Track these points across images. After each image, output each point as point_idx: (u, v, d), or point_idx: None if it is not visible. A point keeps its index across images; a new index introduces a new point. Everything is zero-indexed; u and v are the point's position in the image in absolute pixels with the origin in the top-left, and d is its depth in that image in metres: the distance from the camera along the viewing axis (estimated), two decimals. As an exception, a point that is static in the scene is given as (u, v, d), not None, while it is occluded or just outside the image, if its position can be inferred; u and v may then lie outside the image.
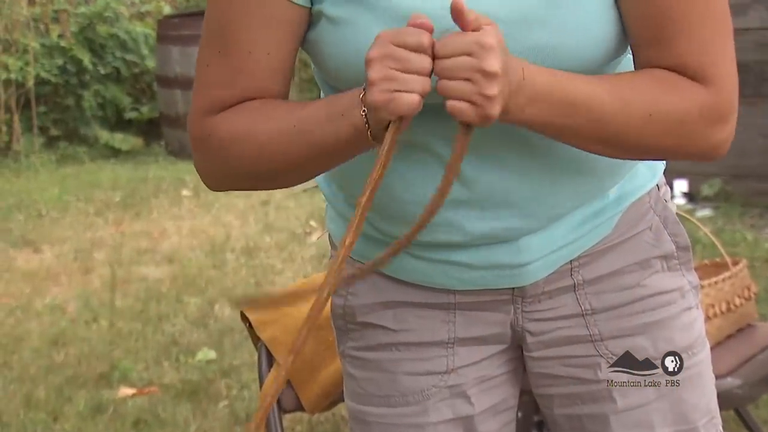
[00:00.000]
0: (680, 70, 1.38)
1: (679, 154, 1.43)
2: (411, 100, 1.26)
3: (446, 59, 1.26)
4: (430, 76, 1.27)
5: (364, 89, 1.31)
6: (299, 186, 1.33)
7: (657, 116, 1.36)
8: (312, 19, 1.41)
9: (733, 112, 1.41)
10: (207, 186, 1.51)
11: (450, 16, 1.28)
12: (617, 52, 1.42)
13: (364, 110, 1.31)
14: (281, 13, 1.39)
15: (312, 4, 1.40)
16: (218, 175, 1.48)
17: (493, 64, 1.25)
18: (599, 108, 1.35)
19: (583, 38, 1.36)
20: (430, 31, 1.27)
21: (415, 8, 1.33)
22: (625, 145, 1.39)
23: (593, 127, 1.36)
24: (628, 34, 1.40)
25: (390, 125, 1.29)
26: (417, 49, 1.26)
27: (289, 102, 1.44)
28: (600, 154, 1.42)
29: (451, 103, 1.26)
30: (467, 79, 1.25)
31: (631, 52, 1.46)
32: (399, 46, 1.26)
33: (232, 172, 1.46)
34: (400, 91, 1.26)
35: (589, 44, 1.37)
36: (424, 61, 1.26)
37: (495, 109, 1.26)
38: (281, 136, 1.39)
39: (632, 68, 1.51)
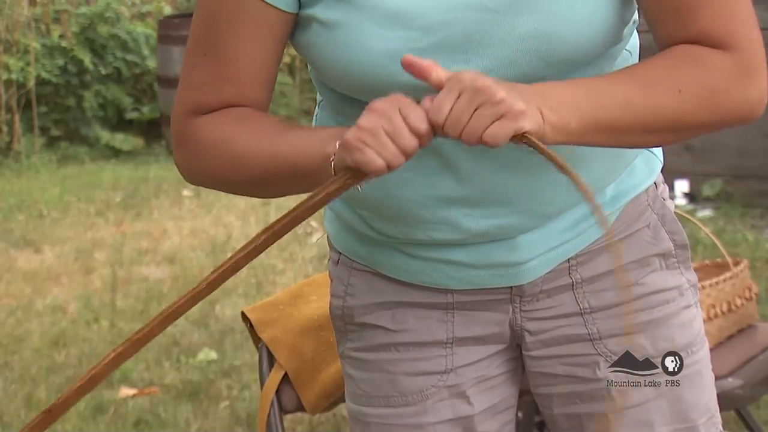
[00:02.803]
0: (703, 39, 1.37)
1: (720, 124, 1.41)
2: (375, 161, 1.26)
3: (448, 119, 1.25)
4: (409, 158, 1.27)
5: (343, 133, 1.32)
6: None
7: (687, 92, 1.35)
8: (300, 23, 1.41)
9: (762, 70, 1.39)
10: (185, 179, 1.53)
11: (442, 9, 1.30)
12: (610, 40, 1.41)
13: (339, 143, 1.31)
14: (268, 20, 1.40)
15: (299, 9, 1.40)
16: (194, 173, 1.49)
17: (481, 81, 1.25)
18: (626, 96, 1.33)
19: (575, 23, 1.35)
20: (422, 74, 1.27)
21: (404, 7, 1.33)
22: (665, 127, 1.37)
23: (627, 118, 1.34)
24: (644, 10, 1.40)
25: (344, 171, 1.29)
26: (413, 130, 1.26)
27: (275, 121, 1.44)
28: (646, 145, 1.41)
29: (486, 136, 1.24)
30: (476, 110, 1.24)
31: (626, 41, 1.46)
32: (402, 116, 1.26)
33: (207, 173, 1.47)
34: (372, 149, 1.26)
35: (582, 30, 1.36)
36: (412, 142, 1.26)
37: (517, 104, 1.24)
38: (256, 150, 1.40)
39: (629, 61, 1.51)
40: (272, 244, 1.34)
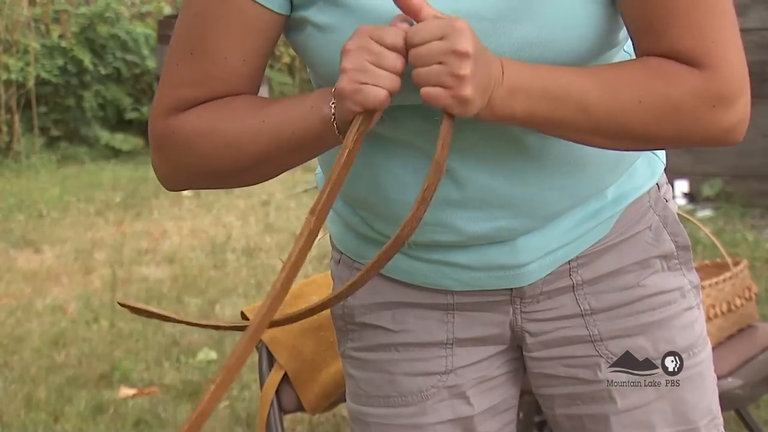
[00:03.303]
0: (676, 56, 1.35)
1: (687, 141, 1.40)
2: (377, 93, 1.27)
3: (419, 47, 1.26)
4: (401, 75, 1.28)
5: (333, 92, 1.32)
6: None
7: (648, 103, 1.34)
8: (295, 24, 1.41)
9: (740, 94, 1.37)
10: (164, 186, 1.50)
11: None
12: (606, 45, 1.41)
13: (333, 103, 1.32)
14: (259, 21, 1.39)
15: (292, 11, 1.40)
16: (179, 174, 1.47)
17: (464, 44, 1.25)
18: (584, 96, 1.33)
19: (569, 31, 1.35)
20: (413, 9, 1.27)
21: (398, 12, 1.33)
22: (619, 134, 1.36)
23: (580, 117, 1.34)
24: (625, 23, 1.40)
25: (354, 119, 1.30)
26: (393, 48, 1.27)
27: (255, 97, 1.44)
28: (597, 146, 1.40)
29: (425, 90, 1.26)
30: (440, 63, 1.25)
31: (623, 44, 1.46)
32: (376, 41, 1.27)
33: (196, 169, 1.45)
34: (369, 84, 1.27)
35: (575, 37, 1.36)
36: (398, 60, 1.27)
37: (467, 90, 1.26)
38: (248, 130, 1.39)
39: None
40: (325, 216, 1.35)
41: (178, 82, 1.43)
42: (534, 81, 1.32)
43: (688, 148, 6.02)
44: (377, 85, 1.27)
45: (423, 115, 1.39)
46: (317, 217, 1.33)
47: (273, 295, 1.34)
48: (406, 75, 1.29)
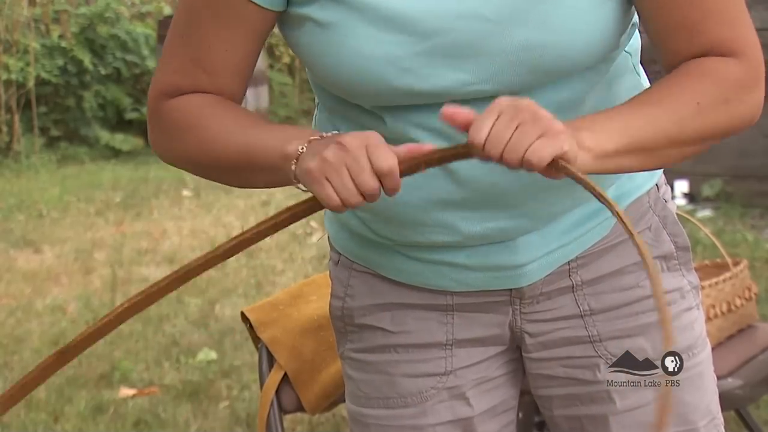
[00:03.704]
0: (711, 49, 1.38)
1: (731, 131, 1.42)
2: (331, 199, 1.27)
3: (489, 136, 1.23)
4: (367, 200, 1.27)
5: (320, 136, 1.32)
6: (300, 186, 1.34)
7: (704, 103, 1.36)
8: (294, 21, 1.41)
9: (762, 73, 1.41)
10: (159, 157, 1.55)
11: (439, 16, 1.31)
12: (609, 48, 1.41)
13: (302, 148, 1.32)
14: (245, 14, 1.40)
15: (288, 7, 1.40)
16: (166, 152, 1.51)
17: (521, 102, 1.24)
18: (651, 118, 1.34)
19: (572, 35, 1.35)
20: (463, 123, 1.25)
21: (401, 10, 1.33)
22: (688, 139, 1.38)
23: (662, 144, 1.35)
24: (648, 25, 1.40)
25: (304, 201, 1.31)
26: (377, 172, 1.26)
27: (250, 112, 1.46)
28: (673, 162, 1.41)
29: (528, 155, 1.22)
30: (516, 128, 1.23)
31: (624, 47, 1.46)
32: (368, 156, 1.26)
33: (178, 154, 1.49)
34: (332, 185, 1.27)
35: (578, 41, 1.36)
36: (373, 184, 1.26)
37: (556, 124, 1.24)
38: (224, 135, 1.41)
39: (629, 62, 1.51)
40: (234, 254, 1.39)
41: (170, 69, 1.46)
42: (604, 119, 1.31)
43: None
44: (336, 191, 1.27)
45: (426, 114, 1.39)
46: (229, 247, 1.39)
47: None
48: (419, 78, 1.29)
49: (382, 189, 1.28)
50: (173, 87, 1.46)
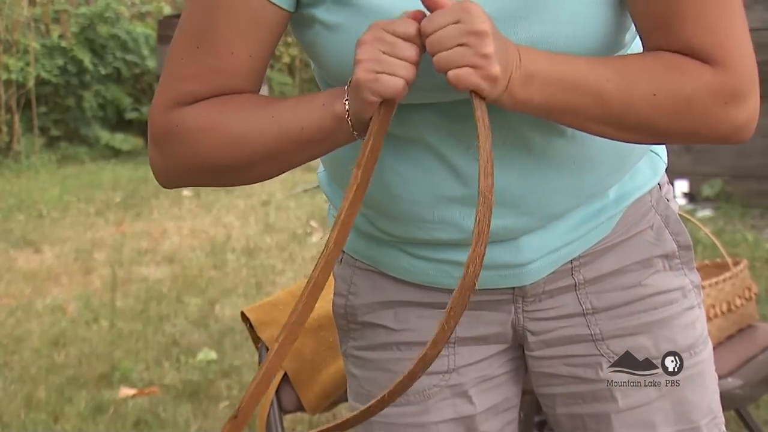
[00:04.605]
0: (689, 53, 1.36)
1: (696, 137, 1.40)
2: (395, 82, 1.28)
3: (436, 32, 1.26)
4: (416, 64, 1.28)
5: (349, 82, 1.32)
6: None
7: (662, 95, 1.35)
8: (304, 21, 1.41)
9: (751, 92, 1.37)
10: (159, 182, 1.49)
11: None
12: (612, 46, 1.41)
13: (347, 99, 1.32)
14: (265, 16, 1.39)
15: (297, 8, 1.40)
16: (177, 169, 1.46)
17: (481, 24, 1.25)
18: (601, 86, 1.33)
19: (576, 31, 1.35)
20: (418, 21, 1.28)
21: (404, 8, 1.33)
22: (632, 125, 1.36)
23: (596, 105, 1.34)
24: (634, 20, 1.40)
25: (375, 113, 1.30)
26: (406, 37, 1.28)
27: (262, 95, 1.44)
28: (608, 137, 1.39)
29: (452, 73, 1.26)
30: (461, 45, 1.25)
31: (629, 45, 1.46)
32: (389, 33, 1.28)
33: (196, 164, 1.44)
34: (385, 73, 1.28)
35: (582, 37, 1.36)
36: (412, 49, 1.28)
37: (495, 68, 1.26)
38: (256, 125, 1.39)
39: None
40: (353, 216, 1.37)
41: (182, 76, 1.42)
42: (551, 67, 1.32)
43: (688, 147, 6.01)
44: (393, 74, 1.28)
45: (429, 111, 1.39)
46: (363, 170, 1.33)
47: (326, 255, 1.36)
48: (423, 74, 1.30)
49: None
50: (188, 95, 1.42)
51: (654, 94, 1.34)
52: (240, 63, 1.41)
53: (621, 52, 1.44)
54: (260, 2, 1.38)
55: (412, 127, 1.41)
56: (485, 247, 1.28)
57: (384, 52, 1.27)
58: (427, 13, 1.29)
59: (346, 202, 1.33)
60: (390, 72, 1.27)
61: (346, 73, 1.37)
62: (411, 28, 1.28)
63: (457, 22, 1.25)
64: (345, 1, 1.36)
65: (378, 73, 1.27)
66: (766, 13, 5.82)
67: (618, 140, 1.41)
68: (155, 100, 1.45)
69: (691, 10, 1.35)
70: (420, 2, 1.30)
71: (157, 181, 1.49)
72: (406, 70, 1.28)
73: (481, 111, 1.28)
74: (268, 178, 1.48)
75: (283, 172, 1.46)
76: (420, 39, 1.28)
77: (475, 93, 1.27)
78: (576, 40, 1.35)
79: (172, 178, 1.47)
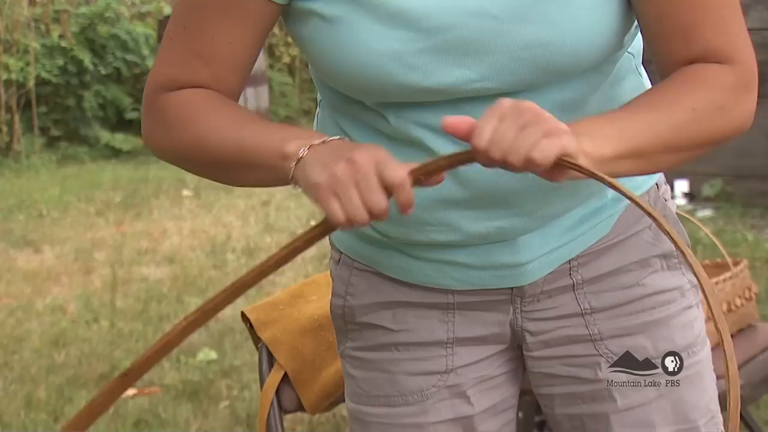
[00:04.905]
0: (706, 55, 1.39)
1: (724, 139, 1.42)
2: (337, 216, 1.26)
3: (493, 138, 1.23)
4: (374, 218, 1.26)
5: (322, 141, 1.31)
6: (297, 187, 1.34)
7: (700, 109, 1.37)
8: (300, 16, 1.41)
9: (756, 79, 1.42)
10: (150, 151, 1.53)
11: (445, 12, 1.31)
12: (612, 48, 1.41)
13: (304, 150, 1.31)
14: (250, 6, 1.40)
15: (293, 1, 1.40)
16: (159, 147, 1.50)
17: (525, 102, 1.24)
18: (649, 122, 1.34)
19: (577, 33, 1.36)
20: (466, 132, 1.25)
21: (407, 5, 1.33)
22: (684, 145, 1.38)
23: (659, 150, 1.35)
24: (643, 24, 1.40)
25: (318, 225, 1.31)
26: (386, 185, 1.25)
27: (246, 110, 1.44)
28: (669, 167, 1.42)
29: (533, 155, 1.22)
30: (520, 130, 1.23)
31: (627, 47, 1.46)
32: (375, 173, 1.25)
33: (171, 149, 1.48)
34: (340, 202, 1.26)
35: (584, 39, 1.36)
36: (381, 201, 1.25)
37: (556, 122, 1.24)
38: (220, 133, 1.40)
39: (632, 63, 1.52)
40: (254, 284, 1.39)
41: (168, 60, 1.45)
42: (603, 123, 1.31)
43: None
44: (343, 209, 1.26)
45: (426, 111, 1.39)
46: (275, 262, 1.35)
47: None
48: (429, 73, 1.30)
49: (395, 205, 1.27)
50: (171, 80, 1.44)
51: (693, 109, 1.36)
52: (220, 50, 1.42)
53: (619, 55, 1.45)
54: None
55: (410, 130, 1.41)
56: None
57: (355, 186, 1.25)
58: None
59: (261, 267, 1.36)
60: (343, 205, 1.26)
61: (340, 70, 1.37)
62: (397, 178, 1.24)
63: (502, 119, 1.23)
64: None
65: (334, 197, 1.26)
66: (766, 12, 5.82)
67: (678, 165, 1.41)
68: (148, 78, 1.49)
69: (708, 13, 1.38)
70: (428, 3, 1.31)
71: (145, 144, 1.53)
72: (359, 215, 1.26)
73: (586, 166, 1.24)
74: (234, 185, 1.50)
75: (243, 186, 1.47)
76: (405, 187, 1.25)
77: (565, 160, 1.23)
78: (576, 43, 1.36)
79: (157, 151, 1.51)
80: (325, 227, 1.31)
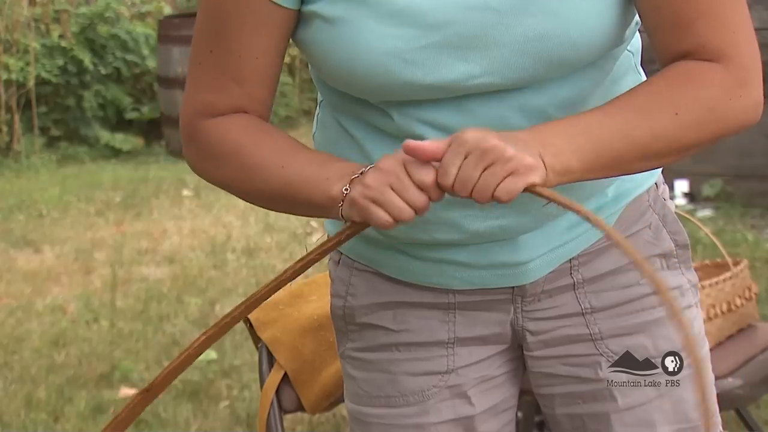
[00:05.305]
0: (701, 51, 1.38)
1: (722, 136, 1.42)
2: (383, 219, 1.31)
3: (457, 177, 1.28)
4: (419, 213, 1.31)
5: (360, 173, 1.34)
6: (349, 221, 1.37)
7: (684, 112, 1.36)
8: (303, 19, 1.42)
9: (757, 74, 1.40)
10: (194, 172, 1.54)
11: (445, 8, 1.32)
12: (612, 42, 1.41)
13: (347, 189, 1.34)
14: (271, 18, 1.40)
15: (302, 5, 1.40)
16: (200, 168, 1.51)
17: (487, 140, 1.27)
18: (627, 132, 1.35)
19: (577, 27, 1.36)
20: (429, 158, 1.30)
21: (409, 4, 1.33)
22: (666, 151, 1.38)
23: (629, 151, 1.36)
24: (643, 17, 1.40)
25: (350, 223, 1.35)
26: (419, 184, 1.30)
27: (285, 137, 1.46)
28: (651, 168, 1.43)
29: (498, 193, 1.28)
30: (485, 169, 1.27)
31: (628, 42, 1.46)
32: (407, 174, 1.30)
33: (213, 174, 1.50)
34: (380, 206, 1.31)
35: (584, 33, 1.36)
36: (420, 198, 1.31)
37: (525, 159, 1.28)
38: (264, 168, 1.43)
39: (631, 61, 1.51)
40: (281, 287, 1.43)
41: (201, 84, 1.46)
42: (573, 133, 1.33)
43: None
44: (387, 210, 1.31)
45: (429, 111, 1.39)
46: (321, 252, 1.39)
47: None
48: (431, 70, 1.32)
49: None
50: (208, 105, 1.45)
51: (676, 114, 1.36)
52: (248, 66, 1.43)
53: (619, 49, 1.45)
54: (265, 4, 1.39)
55: (414, 128, 1.41)
56: None
57: (392, 188, 1.30)
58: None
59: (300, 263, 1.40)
60: (385, 208, 1.31)
61: (342, 70, 1.37)
62: (429, 177, 1.30)
63: (466, 157, 1.27)
64: None
65: (373, 202, 1.31)
66: (766, 12, 5.81)
67: (661, 166, 1.44)
68: (183, 104, 1.49)
69: (705, 8, 1.37)
70: None
71: (193, 170, 1.55)
72: (403, 213, 1.31)
73: (551, 195, 1.29)
74: (279, 212, 1.54)
75: (289, 214, 1.51)
76: (436, 188, 1.30)
77: (531, 189, 1.29)
78: (575, 37, 1.36)
79: (196, 170, 1.53)
80: (353, 230, 1.36)
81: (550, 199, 1.29)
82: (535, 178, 1.28)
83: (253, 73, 1.43)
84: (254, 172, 1.43)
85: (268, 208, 1.52)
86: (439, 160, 1.30)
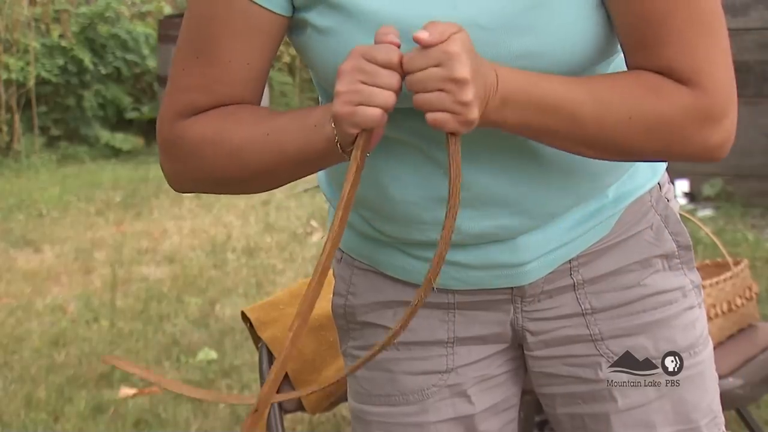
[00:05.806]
0: (667, 74, 1.36)
1: (671, 156, 1.42)
2: (372, 113, 1.27)
3: (416, 73, 1.26)
4: (398, 91, 1.28)
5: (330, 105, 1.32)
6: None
7: (637, 118, 1.35)
8: (297, 25, 1.41)
9: (727, 113, 1.38)
10: (171, 187, 1.51)
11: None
12: (604, 55, 1.41)
13: (332, 115, 1.32)
14: (262, 23, 1.39)
15: (293, 12, 1.40)
16: (186, 178, 1.48)
17: (462, 70, 1.25)
18: (576, 108, 1.34)
19: (567, 43, 1.35)
20: (397, 46, 1.28)
21: (397, 17, 1.33)
22: (607, 146, 1.38)
23: (571, 128, 1.35)
24: (618, 37, 1.40)
25: (357, 138, 1.31)
26: (386, 65, 1.27)
27: (261, 108, 1.44)
28: (586, 156, 1.41)
29: (431, 116, 1.26)
30: (441, 90, 1.25)
31: (617, 56, 1.46)
32: (369, 61, 1.27)
33: (201, 174, 1.46)
34: (363, 104, 1.27)
35: (574, 49, 1.36)
36: (392, 77, 1.27)
37: (474, 113, 1.26)
38: (253, 142, 1.40)
39: (623, 68, 1.51)
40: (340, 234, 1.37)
41: (184, 87, 1.43)
42: (528, 91, 1.32)
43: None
44: (371, 104, 1.27)
45: (421, 115, 1.39)
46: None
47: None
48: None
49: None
50: (190, 105, 1.43)
51: (629, 117, 1.35)
52: (239, 71, 1.41)
53: (608, 62, 1.44)
54: (257, 9, 1.38)
55: (404, 132, 1.42)
56: (450, 237, 1.32)
57: (363, 82, 1.27)
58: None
59: (337, 219, 1.34)
60: (368, 103, 1.27)
61: (334, 79, 1.37)
62: (393, 55, 1.27)
63: (438, 65, 1.25)
64: (337, 6, 1.35)
65: (356, 105, 1.27)
66: (766, 12, 5.82)
67: (592, 158, 1.41)
68: (161, 110, 1.46)
69: (673, 33, 1.35)
70: (408, 7, 1.30)
71: (169, 184, 1.51)
72: (385, 99, 1.27)
73: (454, 149, 1.29)
74: (272, 189, 1.49)
75: (285, 184, 1.47)
76: (400, 65, 1.27)
77: (452, 137, 1.28)
78: (566, 53, 1.36)
79: (181, 184, 1.49)
80: (364, 137, 1.31)
81: (450, 157, 1.28)
82: (464, 131, 1.27)
83: (242, 77, 1.42)
84: (243, 151, 1.40)
85: (267, 188, 1.48)
86: (421, 44, 1.27)
